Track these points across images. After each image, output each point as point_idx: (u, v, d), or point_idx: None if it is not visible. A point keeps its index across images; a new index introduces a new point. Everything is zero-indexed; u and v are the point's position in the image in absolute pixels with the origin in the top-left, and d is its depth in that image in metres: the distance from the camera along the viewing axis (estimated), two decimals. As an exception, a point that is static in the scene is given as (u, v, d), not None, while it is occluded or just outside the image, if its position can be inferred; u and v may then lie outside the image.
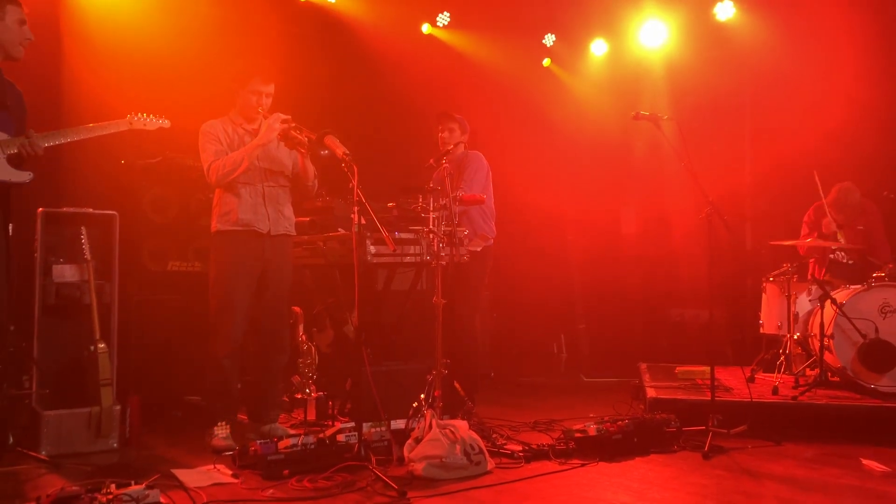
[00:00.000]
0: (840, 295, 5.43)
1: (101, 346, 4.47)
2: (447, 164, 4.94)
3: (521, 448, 4.34)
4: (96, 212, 4.76)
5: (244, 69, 4.56)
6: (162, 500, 3.09)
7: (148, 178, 5.45)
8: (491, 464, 4.04)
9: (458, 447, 3.93)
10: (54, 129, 4.04)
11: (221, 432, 4.44)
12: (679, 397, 5.18)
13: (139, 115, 4.39)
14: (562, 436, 4.46)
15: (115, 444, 4.43)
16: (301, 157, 4.58)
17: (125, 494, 2.93)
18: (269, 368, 4.70)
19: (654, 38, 8.12)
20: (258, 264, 4.56)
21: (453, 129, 5.48)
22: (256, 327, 4.63)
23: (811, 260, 6.06)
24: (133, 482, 3.05)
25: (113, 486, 3.00)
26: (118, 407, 4.47)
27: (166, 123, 4.51)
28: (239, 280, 4.50)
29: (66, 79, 5.61)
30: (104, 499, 2.90)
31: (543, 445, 4.35)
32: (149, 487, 3.02)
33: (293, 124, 4.45)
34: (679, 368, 6.08)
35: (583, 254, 9.08)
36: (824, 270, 6.18)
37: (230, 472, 3.90)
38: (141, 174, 5.42)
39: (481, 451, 4.02)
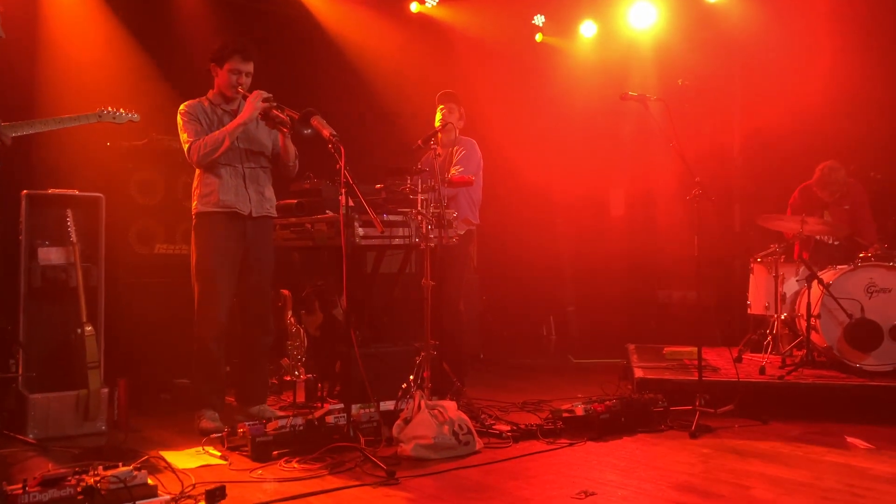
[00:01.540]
0: (827, 275, 5.46)
1: (88, 328, 4.45)
2: (435, 146, 4.93)
3: (509, 428, 4.36)
4: (82, 194, 4.72)
5: (223, 48, 4.50)
6: (150, 481, 3.07)
7: (134, 161, 5.40)
8: (479, 444, 4.06)
9: (446, 427, 3.95)
10: (27, 118, 4.03)
11: (209, 414, 4.45)
12: (667, 377, 5.20)
13: (109, 108, 4.39)
14: (550, 416, 4.48)
15: (102, 427, 4.42)
16: (282, 136, 4.54)
17: (113, 476, 2.92)
18: (255, 350, 4.69)
19: (643, 19, 8.09)
20: (240, 246, 4.53)
21: (452, 109, 5.45)
22: (240, 309, 4.63)
23: (796, 241, 6.09)
24: (121, 464, 3.04)
25: (101, 467, 2.99)
26: (106, 389, 4.46)
27: (135, 118, 4.50)
28: (222, 262, 4.48)
29: (41, 68, 5.60)
30: (91, 480, 2.89)
31: (532, 425, 4.38)
32: (137, 469, 3.01)
33: (274, 103, 4.41)
34: (667, 349, 6.11)
35: (572, 236, 9.09)
36: (808, 252, 6.20)
37: (219, 454, 3.91)
38: (127, 156, 5.38)
39: (470, 432, 4.03)
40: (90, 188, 4.79)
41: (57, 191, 4.66)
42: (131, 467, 3.01)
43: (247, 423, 3.92)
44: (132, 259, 5.35)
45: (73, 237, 4.50)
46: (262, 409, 4.67)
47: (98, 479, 2.92)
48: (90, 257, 4.70)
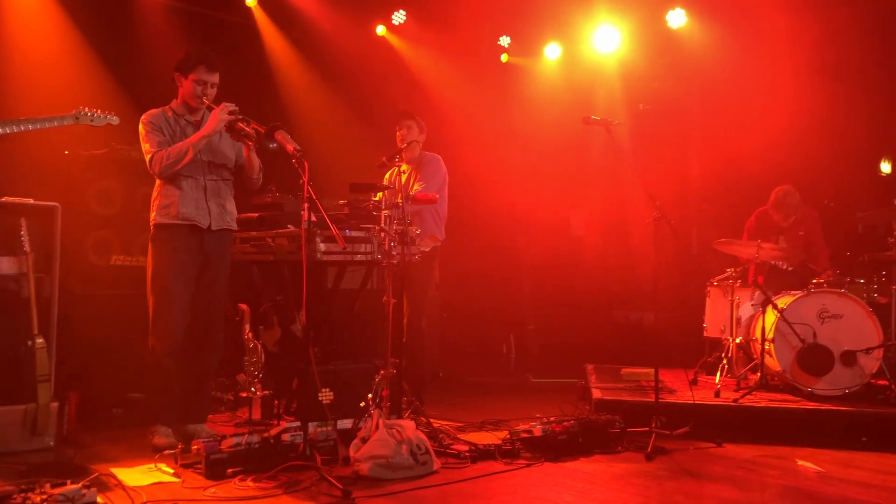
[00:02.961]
0: (781, 300, 5.57)
1: (40, 340, 4.34)
2: (399, 163, 4.94)
3: (467, 448, 4.35)
4: (37, 203, 4.61)
5: (188, 58, 4.45)
6: (99, 499, 3.02)
7: (93, 170, 5.31)
8: (437, 464, 4.04)
9: (404, 447, 3.92)
10: None
11: (163, 430, 4.36)
12: (624, 398, 5.25)
13: (87, 109, 4.28)
14: (508, 436, 4.48)
15: (51, 443, 4.31)
16: (247, 149, 4.50)
17: (60, 494, 2.85)
18: (200, 366, 4.57)
19: (607, 43, 8.20)
20: (198, 259, 4.47)
21: (411, 126, 5.49)
22: (191, 323, 4.51)
23: (751, 266, 6.20)
24: (69, 481, 2.97)
25: (48, 485, 2.92)
26: (55, 404, 4.35)
27: (115, 120, 4.41)
28: (178, 275, 4.41)
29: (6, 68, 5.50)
30: (38, 499, 2.82)
31: (490, 445, 4.37)
32: (85, 487, 2.95)
33: (240, 116, 4.38)
34: (624, 370, 6.17)
35: (533, 255, 9.14)
36: (762, 276, 6.32)
37: (171, 471, 3.83)
38: (85, 165, 5.29)
39: (427, 451, 4.02)
40: (46, 197, 4.69)
41: (11, 199, 4.54)
42: (80, 485, 2.95)
43: (201, 440, 3.85)
44: (88, 270, 5.25)
45: (27, 247, 4.39)
46: (199, 428, 4.49)
47: (45, 497, 2.85)
48: (44, 268, 4.59)
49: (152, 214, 4.48)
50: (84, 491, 2.92)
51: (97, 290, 5.23)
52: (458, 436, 4.72)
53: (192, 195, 4.44)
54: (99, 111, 4.33)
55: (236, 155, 4.62)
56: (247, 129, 4.33)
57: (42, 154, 5.19)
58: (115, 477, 3.67)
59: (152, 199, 4.51)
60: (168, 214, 4.42)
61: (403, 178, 5.37)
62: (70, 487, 2.91)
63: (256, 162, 4.57)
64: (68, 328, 4.79)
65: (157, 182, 4.49)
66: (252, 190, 4.80)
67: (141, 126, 4.44)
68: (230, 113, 4.34)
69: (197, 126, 4.49)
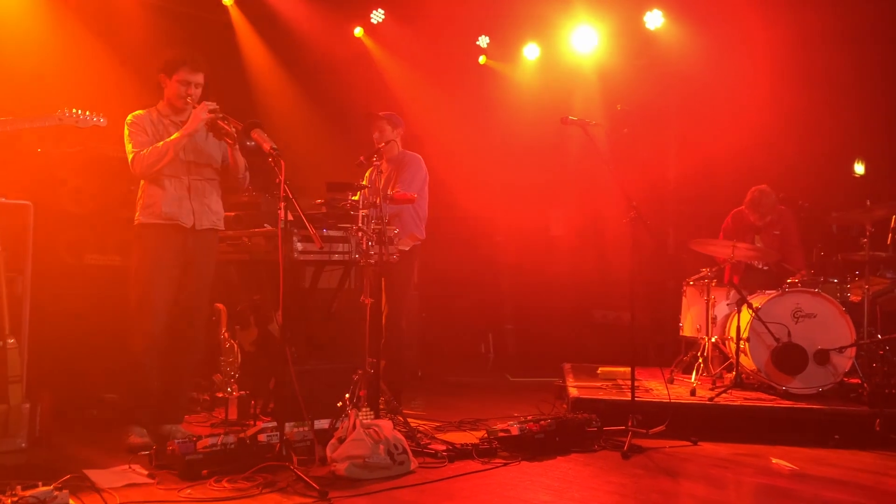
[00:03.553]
0: (756, 300, 5.62)
1: (11, 341, 4.27)
2: (378, 162, 4.92)
3: (444, 447, 4.35)
4: (9, 201, 4.54)
5: (172, 58, 4.44)
6: (72, 501, 2.98)
7: (66, 168, 5.25)
8: (414, 463, 4.03)
9: (381, 447, 3.91)
10: None
11: (138, 430, 4.32)
12: (600, 397, 5.27)
13: (72, 110, 4.23)
14: (486, 435, 4.48)
15: (23, 444, 4.23)
16: (230, 148, 4.48)
17: (32, 496, 2.81)
18: (178, 366, 4.54)
19: (585, 43, 8.24)
20: (181, 258, 4.45)
21: (383, 128, 5.47)
22: (170, 322, 4.47)
23: (727, 265, 6.26)
24: (41, 483, 2.93)
25: (19, 487, 2.88)
26: (28, 405, 4.28)
27: (102, 122, 4.37)
28: (159, 274, 4.39)
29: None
30: (8, 501, 2.78)
31: (467, 445, 4.37)
32: (58, 489, 2.91)
33: (220, 114, 4.36)
34: (601, 369, 6.20)
35: (511, 255, 9.16)
36: (738, 276, 6.37)
37: (146, 473, 3.80)
38: (59, 163, 5.23)
39: (405, 451, 4.01)
40: (18, 195, 4.63)
41: (-18, 198, 4.49)
42: (51, 487, 2.91)
43: (176, 441, 3.82)
44: (62, 269, 5.19)
45: (-2, 246, 4.33)
46: (174, 429, 4.44)
47: (16, 499, 2.82)
48: (16, 267, 4.52)
49: (136, 214, 4.45)
50: (56, 493, 2.88)
51: (71, 289, 5.16)
52: (436, 435, 4.72)
53: (176, 195, 4.42)
54: (85, 112, 4.27)
55: (223, 155, 4.59)
56: (226, 127, 4.31)
57: (14, 152, 5.12)
58: (88, 479, 3.62)
59: (137, 198, 4.49)
60: (151, 214, 4.40)
61: (383, 178, 5.36)
62: (41, 489, 2.87)
63: (241, 161, 4.55)
64: (41, 328, 4.72)
65: (142, 182, 4.46)
66: (239, 190, 4.78)
67: (126, 127, 4.42)
68: (210, 112, 4.32)
69: (182, 127, 4.46)
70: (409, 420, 4.76)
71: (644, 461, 4.36)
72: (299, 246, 4.47)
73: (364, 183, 5.21)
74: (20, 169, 5.16)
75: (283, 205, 3.95)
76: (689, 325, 6.20)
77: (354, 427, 3.98)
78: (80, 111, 4.27)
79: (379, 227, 4.51)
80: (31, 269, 4.59)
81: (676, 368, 6.29)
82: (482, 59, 8.81)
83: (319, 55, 7.55)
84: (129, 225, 4.54)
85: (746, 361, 5.57)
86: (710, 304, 5.87)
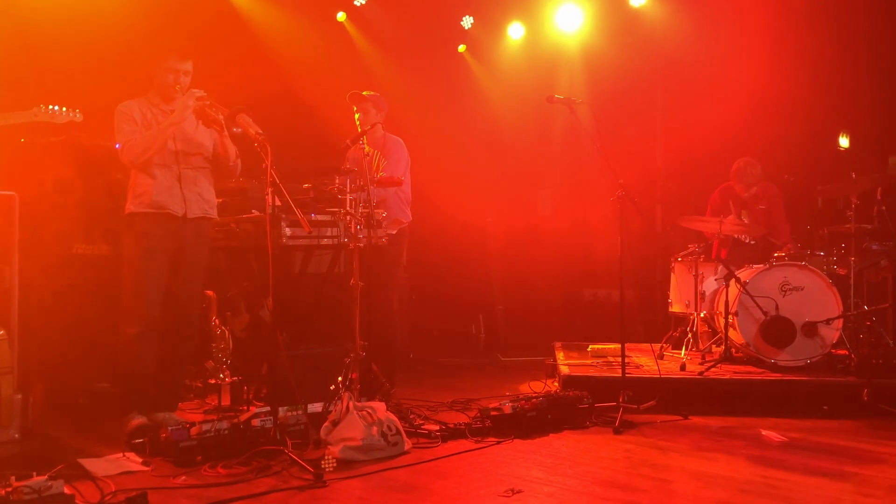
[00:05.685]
0: (744, 274, 5.66)
1: (0, 332, 4.26)
2: (363, 146, 4.91)
3: (438, 428, 4.38)
4: (-7, 192, 4.52)
5: (160, 47, 4.41)
6: (67, 490, 2.98)
7: (51, 158, 5.21)
8: (408, 444, 4.06)
9: (375, 429, 3.94)
10: None
11: (137, 416, 4.30)
12: (591, 374, 5.31)
13: (48, 106, 4.19)
14: (478, 414, 4.51)
15: (16, 435, 4.22)
16: (219, 136, 4.46)
17: (26, 486, 2.81)
18: (172, 354, 4.52)
19: (570, 22, 8.21)
20: (172, 247, 4.43)
21: (367, 109, 5.44)
22: (164, 311, 4.46)
23: (715, 240, 6.29)
24: (35, 473, 2.93)
25: (13, 478, 2.88)
26: (19, 396, 4.28)
27: (78, 117, 4.34)
28: (152, 262, 4.37)
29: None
30: (2, 492, 2.78)
31: (460, 424, 4.41)
32: (52, 478, 2.91)
33: (208, 101, 4.33)
34: (592, 346, 6.24)
35: (501, 236, 9.16)
36: (725, 251, 6.41)
37: (140, 460, 3.81)
38: (43, 153, 5.18)
39: (398, 432, 4.04)
40: (3, 186, 4.60)
41: (-34, 190, 4.46)
42: (46, 476, 2.91)
43: (170, 428, 3.82)
44: (49, 260, 5.14)
45: (-16, 237, 4.31)
46: (168, 417, 4.40)
47: (10, 490, 2.81)
48: (2, 258, 4.50)
49: (127, 202, 4.43)
50: (51, 482, 2.88)
51: (59, 279, 5.13)
52: (429, 416, 4.74)
53: (166, 183, 4.40)
54: (62, 108, 4.24)
55: (214, 143, 4.57)
56: (213, 114, 4.29)
57: (-3, 142, 5.08)
58: (82, 467, 3.64)
59: (128, 187, 4.47)
60: (142, 203, 4.37)
61: (368, 161, 5.34)
62: (36, 479, 2.86)
63: (232, 148, 4.52)
64: (31, 319, 4.71)
65: (132, 171, 4.44)
66: (232, 177, 4.75)
67: (115, 116, 4.39)
68: (198, 99, 4.30)
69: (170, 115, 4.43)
70: (401, 401, 4.78)
71: (636, 436, 4.40)
72: (288, 231, 4.47)
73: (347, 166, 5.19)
74: (2, 160, 5.12)
75: (270, 190, 3.93)
76: (678, 300, 6.23)
77: (348, 410, 4.00)
78: (55, 107, 4.24)
79: (367, 210, 4.50)
80: (19, 260, 4.58)
81: (666, 344, 6.34)
82: (462, 48, 8.77)
83: (302, 39, 7.49)
84: (116, 214, 4.52)
85: (735, 335, 5.61)
86: (698, 279, 5.90)
